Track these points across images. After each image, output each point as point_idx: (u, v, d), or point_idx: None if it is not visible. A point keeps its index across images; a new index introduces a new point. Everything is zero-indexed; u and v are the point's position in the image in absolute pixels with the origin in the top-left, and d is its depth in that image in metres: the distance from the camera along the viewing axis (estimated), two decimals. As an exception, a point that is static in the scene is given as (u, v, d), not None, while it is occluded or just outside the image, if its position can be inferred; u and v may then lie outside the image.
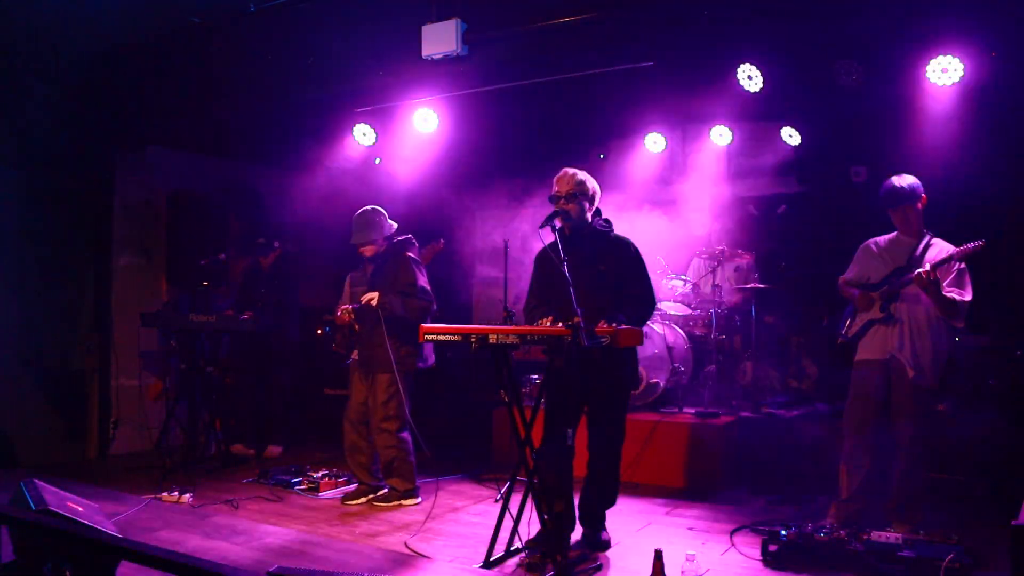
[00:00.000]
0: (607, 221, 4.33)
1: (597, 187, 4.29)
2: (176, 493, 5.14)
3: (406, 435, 5.07)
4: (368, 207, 5.19)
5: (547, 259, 4.20)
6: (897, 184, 4.31)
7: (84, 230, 6.75)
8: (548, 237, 3.96)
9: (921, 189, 4.30)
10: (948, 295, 4.10)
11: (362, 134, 6.62)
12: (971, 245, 4.04)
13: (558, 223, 4.03)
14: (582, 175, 4.22)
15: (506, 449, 6.17)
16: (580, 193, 4.17)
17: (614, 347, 3.62)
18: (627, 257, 4.25)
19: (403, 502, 5.08)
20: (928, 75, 4.82)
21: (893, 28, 4.36)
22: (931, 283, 4.01)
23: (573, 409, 4.16)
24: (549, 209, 4.11)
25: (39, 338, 6.42)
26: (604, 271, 4.16)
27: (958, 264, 4.16)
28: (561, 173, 4.25)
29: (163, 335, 6.66)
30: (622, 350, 3.93)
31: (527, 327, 3.91)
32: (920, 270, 4.05)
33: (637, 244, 4.31)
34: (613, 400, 4.26)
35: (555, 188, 4.21)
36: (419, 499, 5.14)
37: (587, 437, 4.29)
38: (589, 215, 4.24)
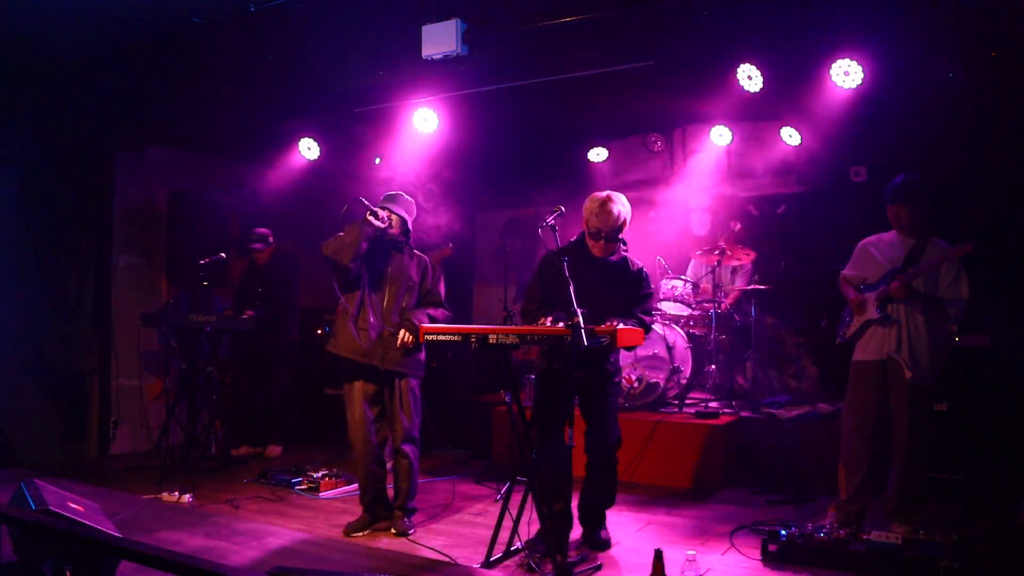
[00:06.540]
0: (625, 245, 4.29)
1: (630, 213, 4.19)
2: (176, 493, 5.14)
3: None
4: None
5: (552, 266, 4.08)
6: (902, 181, 4.33)
7: (84, 230, 6.74)
8: (549, 236, 3.96)
9: (920, 191, 4.30)
10: (941, 296, 4.13)
11: (361, 134, 6.62)
12: (961, 247, 4.06)
13: (556, 221, 4.00)
14: (624, 211, 4.09)
15: (506, 449, 6.17)
16: (619, 232, 4.12)
17: (611, 347, 3.62)
18: (638, 286, 4.24)
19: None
20: (927, 75, 4.82)
21: (893, 28, 4.36)
22: (911, 294, 4.12)
23: (570, 409, 4.15)
24: (549, 209, 4.10)
25: (39, 338, 6.42)
26: (613, 294, 4.15)
27: (956, 264, 4.17)
28: (602, 205, 4.06)
29: (163, 335, 6.65)
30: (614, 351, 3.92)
31: (527, 327, 3.90)
32: (892, 285, 4.17)
33: (637, 244, 4.32)
34: (609, 399, 4.27)
35: (596, 223, 4.07)
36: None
37: (583, 437, 4.28)
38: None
